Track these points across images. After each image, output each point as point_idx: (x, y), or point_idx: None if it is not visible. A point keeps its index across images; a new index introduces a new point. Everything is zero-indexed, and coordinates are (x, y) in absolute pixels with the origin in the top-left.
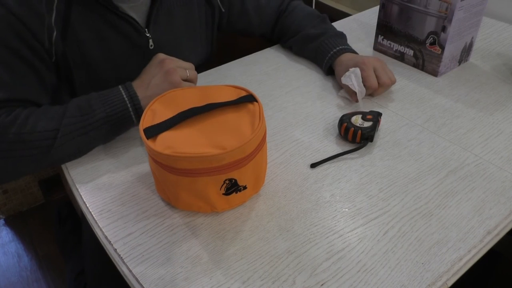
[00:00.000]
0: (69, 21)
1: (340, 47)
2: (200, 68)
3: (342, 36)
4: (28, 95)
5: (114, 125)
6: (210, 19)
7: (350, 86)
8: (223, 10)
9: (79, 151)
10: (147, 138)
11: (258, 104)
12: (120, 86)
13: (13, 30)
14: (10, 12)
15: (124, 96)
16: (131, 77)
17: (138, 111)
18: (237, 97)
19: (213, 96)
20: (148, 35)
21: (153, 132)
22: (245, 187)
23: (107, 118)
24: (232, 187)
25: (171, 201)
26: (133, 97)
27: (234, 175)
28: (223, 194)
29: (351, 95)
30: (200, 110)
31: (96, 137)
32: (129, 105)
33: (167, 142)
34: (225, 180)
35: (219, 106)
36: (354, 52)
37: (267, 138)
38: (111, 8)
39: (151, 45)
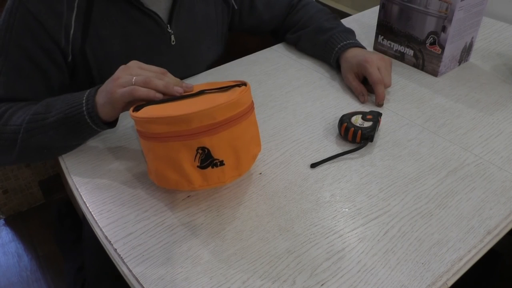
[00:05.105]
0: (90, 17)
1: (349, 41)
2: (211, 67)
3: (351, 32)
4: (27, 95)
5: (72, 127)
6: (226, 17)
7: None
8: (236, 7)
9: (42, 150)
10: (133, 111)
11: (246, 86)
12: (89, 89)
13: (29, 30)
14: (29, 11)
15: (84, 98)
16: None
17: (92, 115)
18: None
19: (210, 87)
20: (170, 31)
21: (141, 108)
22: (222, 163)
23: (65, 120)
24: (207, 159)
25: (152, 176)
26: (89, 100)
27: (205, 142)
28: (197, 166)
29: (359, 96)
30: (189, 95)
31: (56, 138)
32: (84, 108)
33: (147, 112)
34: (198, 148)
35: (208, 91)
36: (361, 46)
37: (268, 138)
38: (136, 4)
39: (173, 41)
